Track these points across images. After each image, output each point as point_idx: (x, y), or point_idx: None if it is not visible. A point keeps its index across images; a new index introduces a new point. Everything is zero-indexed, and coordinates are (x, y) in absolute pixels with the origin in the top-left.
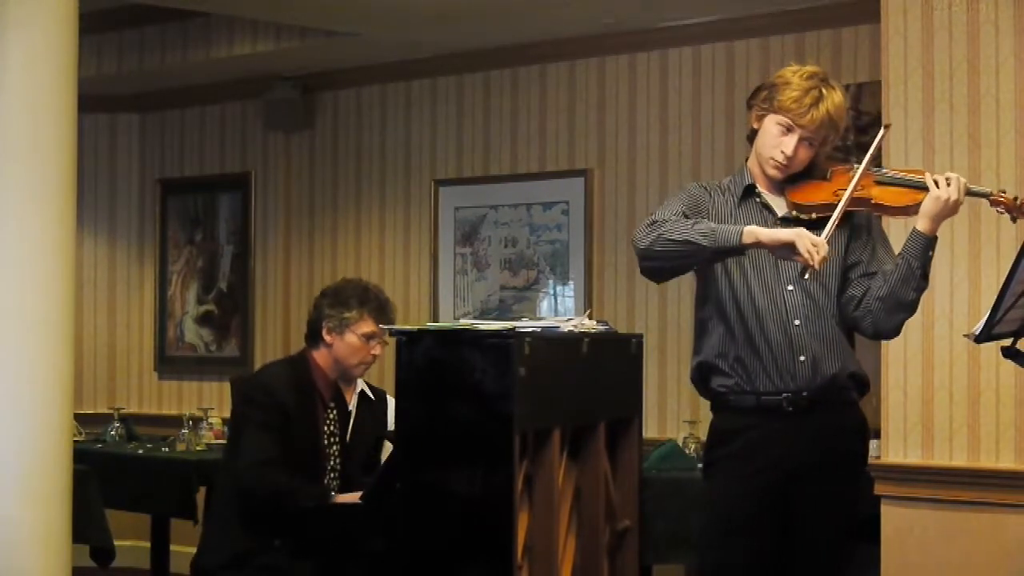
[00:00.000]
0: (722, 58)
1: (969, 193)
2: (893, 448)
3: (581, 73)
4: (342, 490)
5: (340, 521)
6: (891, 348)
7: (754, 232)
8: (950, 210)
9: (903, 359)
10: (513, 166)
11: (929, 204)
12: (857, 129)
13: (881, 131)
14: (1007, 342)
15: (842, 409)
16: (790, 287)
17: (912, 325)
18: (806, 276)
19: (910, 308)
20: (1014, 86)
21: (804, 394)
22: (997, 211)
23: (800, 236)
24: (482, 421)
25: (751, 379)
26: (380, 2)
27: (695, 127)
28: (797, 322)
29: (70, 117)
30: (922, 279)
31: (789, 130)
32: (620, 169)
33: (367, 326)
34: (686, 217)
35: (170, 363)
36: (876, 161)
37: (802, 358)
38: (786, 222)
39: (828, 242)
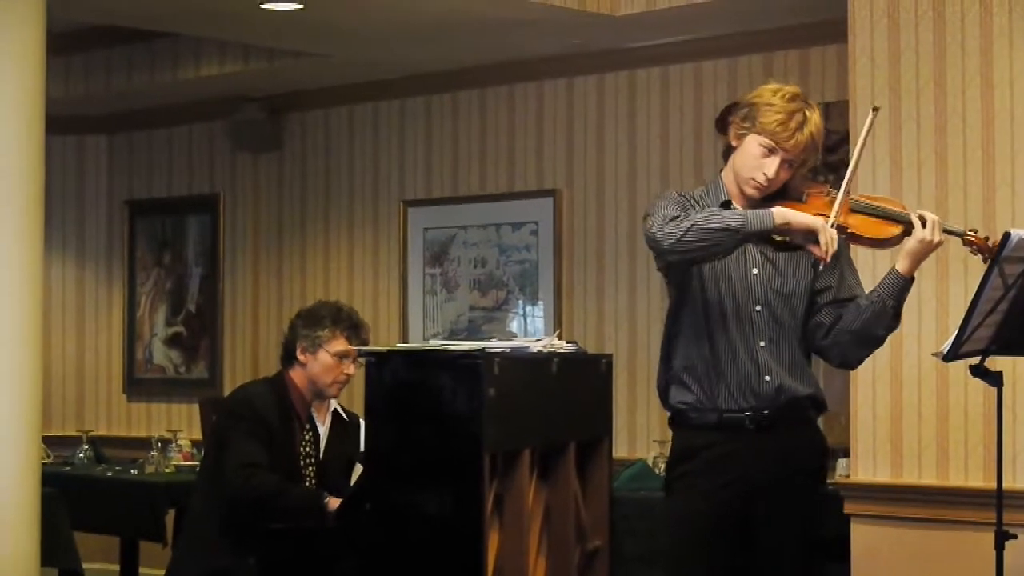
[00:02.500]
0: (690, 78)
1: (944, 231)
2: (862, 467)
3: (549, 93)
4: None
5: (311, 543)
6: (860, 368)
7: (784, 214)
8: (930, 251)
9: (872, 378)
10: (482, 186)
11: (914, 244)
12: (825, 148)
13: (871, 115)
14: (975, 360)
15: (802, 428)
16: (758, 307)
17: None
18: (820, 268)
19: (879, 342)
20: (980, 106)
21: (766, 412)
22: (970, 251)
23: (825, 227)
24: (451, 442)
25: (714, 396)
26: (348, 23)
27: (663, 147)
28: (763, 343)
29: (38, 138)
30: (894, 318)
31: (771, 152)
32: (589, 189)
33: (340, 345)
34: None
35: (139, 385)
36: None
37: (767, 378)
38: (757, 240)
39: (797, 267)
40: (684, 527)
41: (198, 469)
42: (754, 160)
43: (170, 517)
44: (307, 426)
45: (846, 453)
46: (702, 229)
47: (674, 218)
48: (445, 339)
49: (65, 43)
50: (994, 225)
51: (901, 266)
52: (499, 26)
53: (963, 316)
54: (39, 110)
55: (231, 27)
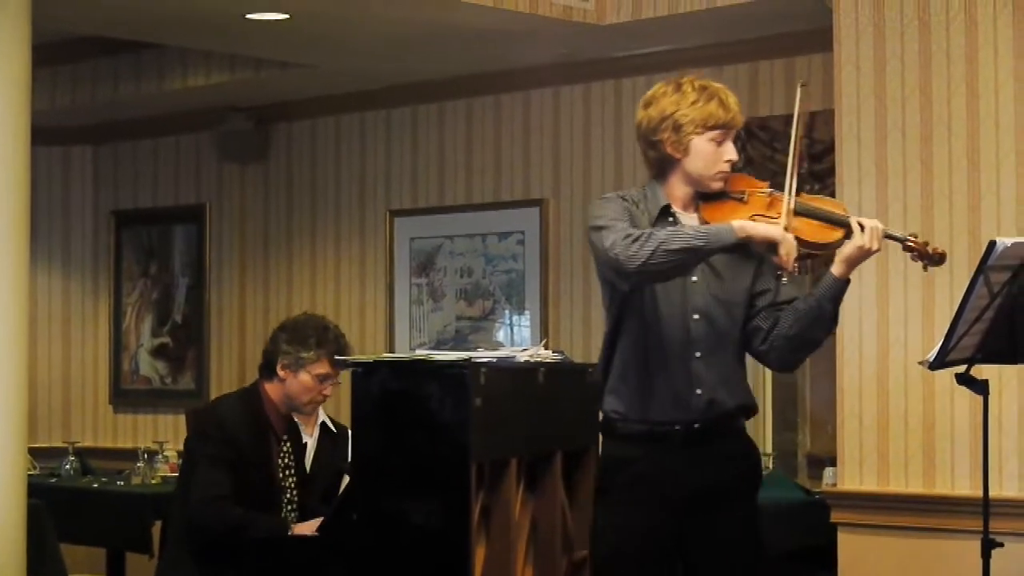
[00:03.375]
0: None
1: (886, 236)
2: (849, 475)
3: (536, 103)
4: (301, 522)
5: (297, 553)
6: (846, 376)
7: (744, 228)
8: (867, 256)
9: (858, 387)
10: (468, 196)
11: (851, 250)
12: (811, 157)
13: (798, 90)
14: (961, 369)
15: (732, 437)
16: (695, 316)
17: (867, 353)
18: (784, 280)
19: (817, 346)
20: (966, 114)
21: (696, 425)
22: (911, 257)
23: (786, 237)
24: (438, 452)
25: (645, 408)
26: (334, 33)
27: None
28: (698, 354)
29: (23, 149)
30: (831, 321)
31: (725, 136)
32: (575, 199)
33: (323, 367)
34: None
35: (125, 396)
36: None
37: (699, 391)
38: None
39: (737, 270)
40: (614, 540)
41: (177, 481)
42: (712, 155)
43: (156, 528)
44: (284, 438)
45: (833, 462)
46: (667, 251)
47: (634, 238)
48: (432, 349)
49: (51, 54)
50: (979, 233)
51: (836, 270)
52: (485, 36)
53: (949, 325)
54: (25, 121)
55: (217, 38)
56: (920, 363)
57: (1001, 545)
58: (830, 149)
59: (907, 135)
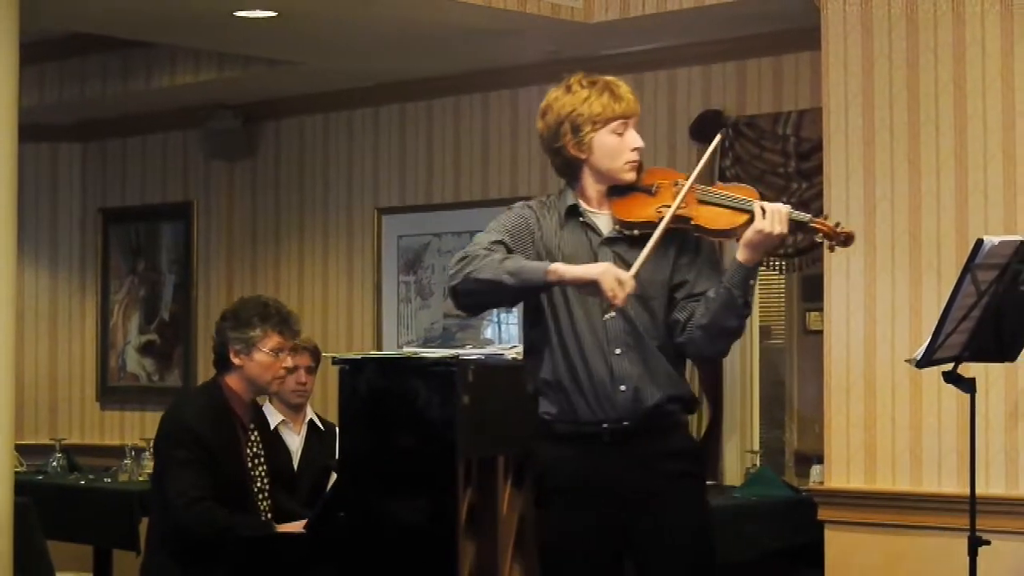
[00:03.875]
0: (664, 86)
1: (792, 221)
2: (836, 473)
3: (524, 101)
4: (275, 515)
5: (284, 551)
6: (833, 374)
7: (557, 270)
8: (774, 242)
9: (846, 385)
10: (456, 194)
11: (752, 235)
12: (798, 155)
13: (716, 139)
14: (948, 367)
15: (667, 434)
16: (611, 313)
17: (854, 351)
18: (606, 317)
19: (734, 334)
20: (954, 112)
21: (625, 423)
22: (816, 238)
23: (605, 275)
24: (426, 449)
25: (573, 409)
26: (322, 31)
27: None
28: (618, 351)
29: (11, 146)
30: (744, 307)
31: (625, 126)
32: None
33: (273, 340)
34: (503, 245)
35: (112, 393)
36: (708, 178)
37: (623, 387)
38: (611, 242)
39: (655, 263)
40: (554, 543)
41: (151, 483)
42: (616, 147)
43: (143, 525)
44: (251, 427)
45: (820, 459)
46: (476, 279)
47: (463, 257)
48: (419, 346)
49: (39, 51)
50: (967, 232)
51: (741, 256)
52: (473, 34)
53: (936, 323)
54: (12, 117)
55: (205, 35)
56: (907, 361)
57: (988, 543)
58: (818, 147)
59: (895, 134)
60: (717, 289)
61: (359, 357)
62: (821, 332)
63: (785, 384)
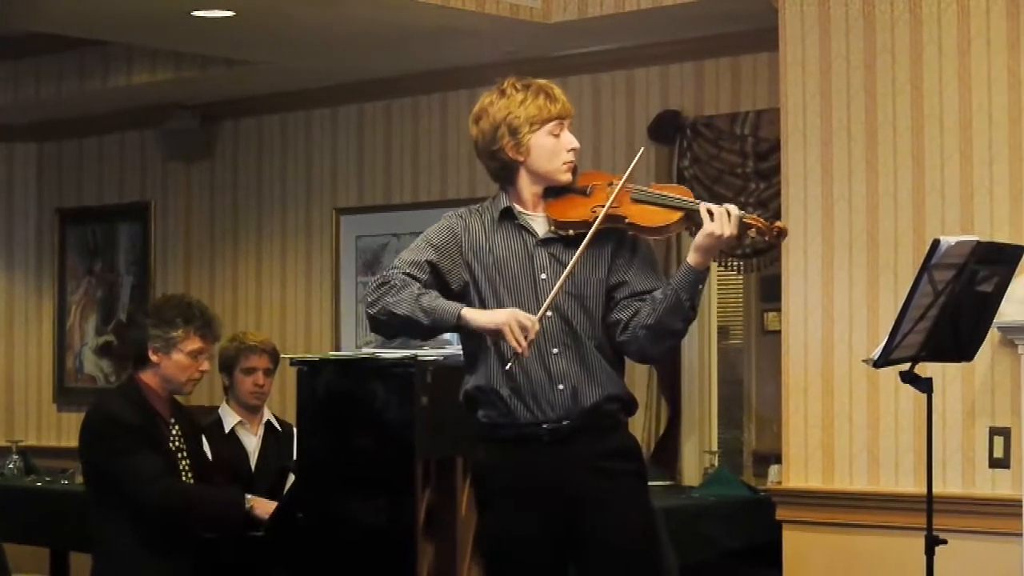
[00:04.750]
0: (622, 86)
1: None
2: (794, 473)
3: None
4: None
5: (242, 552)
6: (791, 374)
7: (466, 316)
8: (723, 244)
9: (803, 384)
10: (415, 194)
11: (702, 238)
12: (756, 156)
13: (640, 151)
14: (906, 367)
15: (606, 433)
16: (548, 313)
17: (812, 351)
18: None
19: (679, 335)
20: (911, 113)
21: (565, 423)
22: (749, 234)
23: (509, 323)
24: (384, 450)
25: (511, 410)
26: (280, 31)
27: (595, 154)
28: (555, 350)
29: None
30: (691, 310)
31: (560, 127)
32: None
33: (194, 343)
34: (427, 266)
35: (69, 394)
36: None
37: (560, 387)
38: (547, 243)
39: (591, 262)
40: (502, 548)
41: (86, 490)
42: (552, 148)
43: None
44: (171, 421)
45: (778, 459)
46: (391, 312)
47: (383, 283)
48: (378, 348)
49: None
50: (924, 232)
51: (692, 259)
52: (431, 34)
53: (893, 323)
54: None
55: (162, 35)
56: (865, 361)
57: (945, 542)
58: (775, 148)
59: (852, 134)
60: (664, 290)
61: (317, 358)
62: (779, 332)
63: (743, 384)
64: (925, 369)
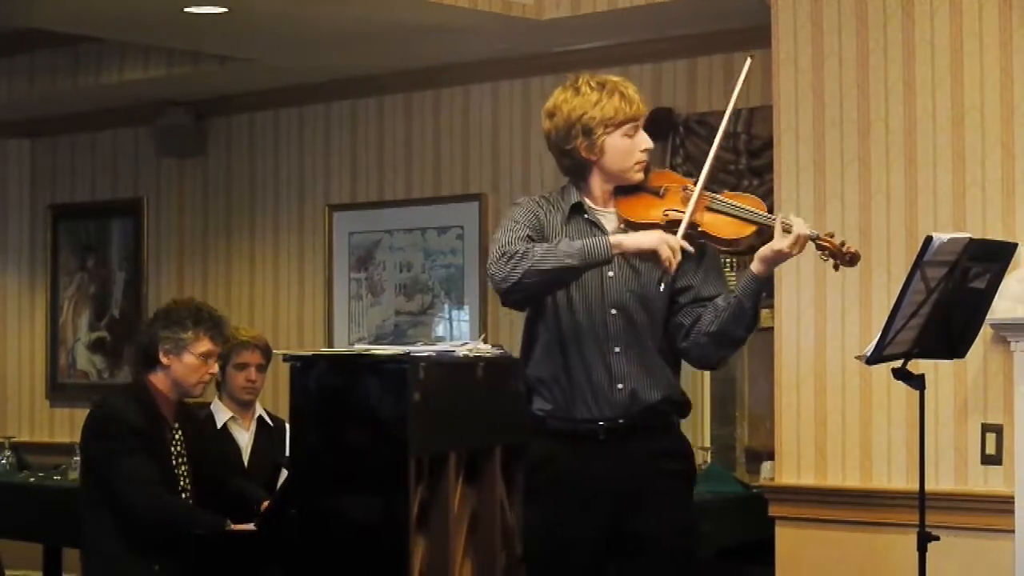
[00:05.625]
0: None
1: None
2: (787, 470)
3: (475, 98)
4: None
5: (235, 549)
6: (784, 371)
7: (620, 242)
8: (787, 257)
9: (796, 381)
10: (407, 191)
11: (769, 252)
12: (749, 153)
13: (747, 61)
14: (898, 363)
15: (660, 434)
16: (613, 311)
17: (804, 348)
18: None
19: (740, 343)
20: (903, 111)
21: (621, 421)
22: (821, 256)
23: (662, 243)
24: (377, 447)
25: (568, 405)
26: (273, 27)
27: None
28: (617, 349)
29: None
30: (752, 318)
31: (635, 128)
32: (514, 193)
33: (204, 345)
34: (531, 240)
35: (62, 390)
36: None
37: (620, 386)
38: None
39: (654, 264)
40: (545, 538)
41: (80, 486)
42: (626, 148)
43: None
44: (175, 426)
45: (770, 456)
46: (538, 270)
47: (509, 255)
48: (371, 343)
49: None
50: (916, 229)
51: (756, 268)
52: (424, 31)
53: (886, 320)
54: None
55: (155, 31)
56: (857, 358)
57: (937, 539)
58: (768, 145)
59: (845, 131)
60: (727, 298)
61: (310, 354)
62: (772, 329)
63: (736, 381)
64: (918, 366)
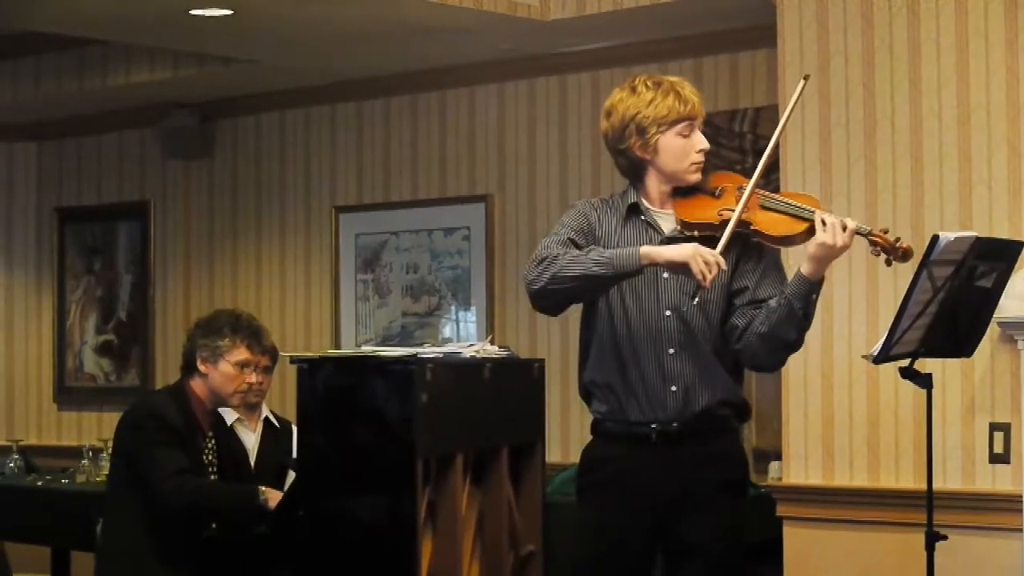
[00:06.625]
0: (621, 83)
1: (857, 234)
2: (794, 470)
3: (481, 99)
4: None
5: (243, 550)
6: (791, 370)
7: (649, 254)
8: (836, 254)
9: (803, 381)
10: (414, 192)
11: (814, 248)
12: (755, 152)
13: (801, 83)
14: (905, 363)
15: (715, 438)
16: (668, 313)
17: (811, 348)
18: (694, 301)
19: (793, 346)
20: (909, 109)
21: (674, 425)
22: (872, 252)
23: (695, 257)
24: (384, 448)
25: (623, 407)
26: (278, 29)
27: (594, 152)
28: (671, 350)
29: None
30: (804, 319)
31: (691, 128)
32: (520, 194)
33: (241, 354)
34: (574, 244)
35: (69, 394)
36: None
37: (673, 388)
38: (671, 242)
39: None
40: (592, 538)
41: (108, 485)
42: (681, 149)
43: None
44: (209, 435)
45: (778, 456)
46: (565, 276)
47: (541, 259)
48: (377, 345)
49: None
50: (922, 228)
51: (805, 268)
52: (429, 32)
53: (893, 319)
54: None
55: (161, 34)
56: (864, 357)
57: (945, 538)
58: (774, 145)
59: (851, 130)
60: (779, 300)
61: (317, 356)
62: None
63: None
64: (925, 365)
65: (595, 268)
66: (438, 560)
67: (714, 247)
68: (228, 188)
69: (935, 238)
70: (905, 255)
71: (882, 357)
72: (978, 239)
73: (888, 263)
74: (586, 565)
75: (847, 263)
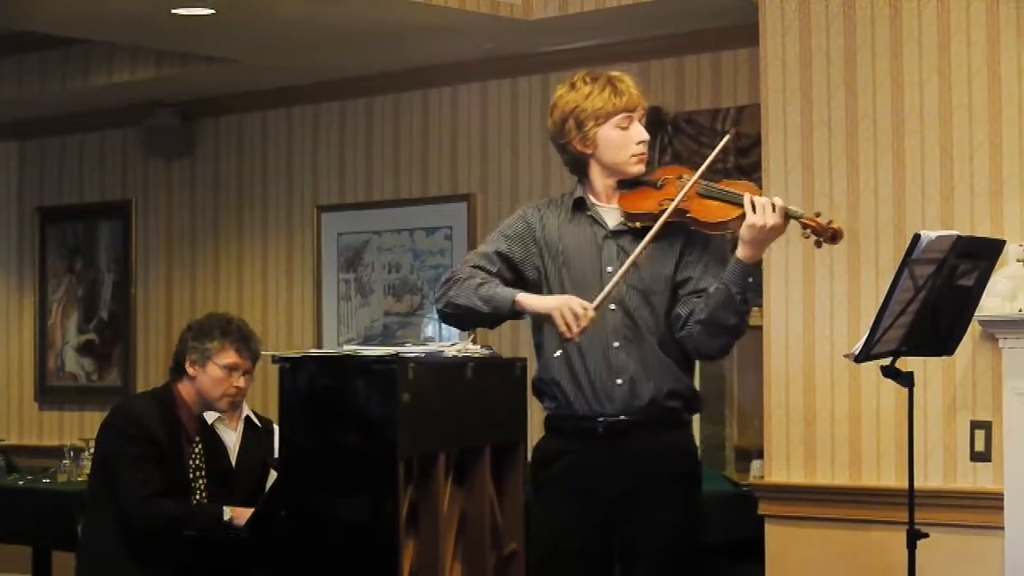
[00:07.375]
0: None
1: (787, 215)
2: (776, 468)
3: (463, 98)
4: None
5: (224, 551)
6: (773, 369)
7: (521, 301)
8: (769, 236)
9: (785, 379)
10: (396, 191)
11: (745, 231)
12: (737, 151)
13: (726, 137)
14: (887, 361)
15: (664, 431)
16: (612, 306)
17: (793, 346)
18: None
19: (734, 331)
20: (890, 108)
21: (621, 418)
22: (804, 234)
23: (561, 308)
24: (366, 447)
25: (570, 402)
26: (260, 28)
27: None
28: (616, 344)
29: None
30: (742, 303)
31: (629, 119)
32: (503, 194)
33: (229, 357)
34: (495, 260)
35: (50, 393)
36: (719, 174)
37: (619, 381)
38: (616, 235)
39: (658, 257)
40: (546, 534)
41: (88, 485)
42: (619, 140)
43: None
44: (195, 439)
45: (760, 454)
46: (454, 304)
47: (446, 280)
48: (360, 344)
49: None
50: (904, 227)
51: (740, 252)
52: (412, 31)
53: (874, 318)
54: None
55: (143, 33)
56: (846, 356)
57: (926, 536)
58: (756, 143)
59: (833, 129)
60: (716, 285)
61: (299, 355)
62: (761, 327)
63: (725, 379)
64: (906, 363)
65: (478, 303)
66: (420, 559)
67: (667, 240)
68: (210, 187)
69: (917, 237)
70: (835, 236)
71: (864, 356)
72: (959, 238)
73: (818, 244)
74: (542, 562)
75: (828, 262)
